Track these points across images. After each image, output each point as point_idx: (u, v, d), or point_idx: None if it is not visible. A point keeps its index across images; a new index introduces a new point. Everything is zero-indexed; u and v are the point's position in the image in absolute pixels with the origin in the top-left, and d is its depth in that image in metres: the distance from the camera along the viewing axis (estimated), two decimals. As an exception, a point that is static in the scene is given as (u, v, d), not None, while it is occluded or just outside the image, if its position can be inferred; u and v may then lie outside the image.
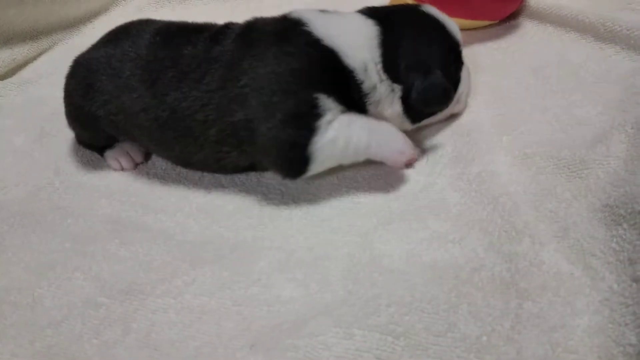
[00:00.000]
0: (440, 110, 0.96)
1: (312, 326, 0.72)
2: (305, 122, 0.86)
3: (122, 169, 1.05)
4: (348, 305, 0.75)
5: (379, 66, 0.89)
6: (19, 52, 1.41)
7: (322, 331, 0.71)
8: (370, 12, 0.94)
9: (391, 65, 0.89)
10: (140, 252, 0.88)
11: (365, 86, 0.89)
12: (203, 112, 0.89)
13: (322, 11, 0.94)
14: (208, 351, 0.73)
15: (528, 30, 1.25)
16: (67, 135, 1.10)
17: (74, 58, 1.04)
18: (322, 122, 0.86)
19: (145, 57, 0.93)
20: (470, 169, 0.92)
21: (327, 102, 0.86)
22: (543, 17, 1.25)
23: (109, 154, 1.06)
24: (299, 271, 0.81)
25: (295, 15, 0.93)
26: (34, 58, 1.45)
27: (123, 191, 1.01)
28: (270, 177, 0.99)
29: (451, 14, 0.99)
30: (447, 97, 0.92)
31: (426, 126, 1.02)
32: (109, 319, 0.78)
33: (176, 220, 0.93)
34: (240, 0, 1.56)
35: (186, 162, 0.99)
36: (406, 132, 0.93)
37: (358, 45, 0.88)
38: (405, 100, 0.91)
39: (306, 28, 0.89)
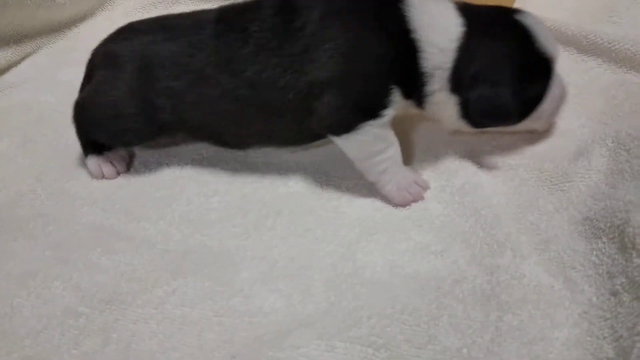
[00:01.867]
0: (501, 125, 0.93)
1: (294, 338, 0.72)
2: (373, 108, 0.87)
3: (103, 177, 1.04)
4: (330, 317, 0.75)
5: (446, 73, 0.87)
6: (3, 56, 1.39)
7: (303, 343, 0.71)
8: (463, 9, 0.89)
9: (457, 74, 0.87)
10: (122, 261, 0.87)
11: (427, 89, 0.89)
12: (284, 78, 0.89)
13: None
14: (189, 362, 0.73)
15: (513, 41, 1.26)
16: (50, 141, 1.09)
17: (110, 48, 1.01)
18: (386, 112, 0.87)
19: (215, 45, 0.93)
20: (454, 180, 0.93)
21: (397, 95, 0.87)
22: (527, 29, 1.26)
23: (92, 160, 1.05)
24: (281, 282, 0.81)
25: None
26: (18, 62, 1.43)
27: (106, 199, 1.00)
28: (255, 187, 0.99)
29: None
30: (504, 115, 0.88)
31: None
32: (89, 329, 0.78)
33: (159, 228, 0.93)
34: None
35: (267, 136, 0.98)
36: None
37: (439, 48, 0.86)
38: (463, 107, 0.88)
39: (403, 9, 0.87)
